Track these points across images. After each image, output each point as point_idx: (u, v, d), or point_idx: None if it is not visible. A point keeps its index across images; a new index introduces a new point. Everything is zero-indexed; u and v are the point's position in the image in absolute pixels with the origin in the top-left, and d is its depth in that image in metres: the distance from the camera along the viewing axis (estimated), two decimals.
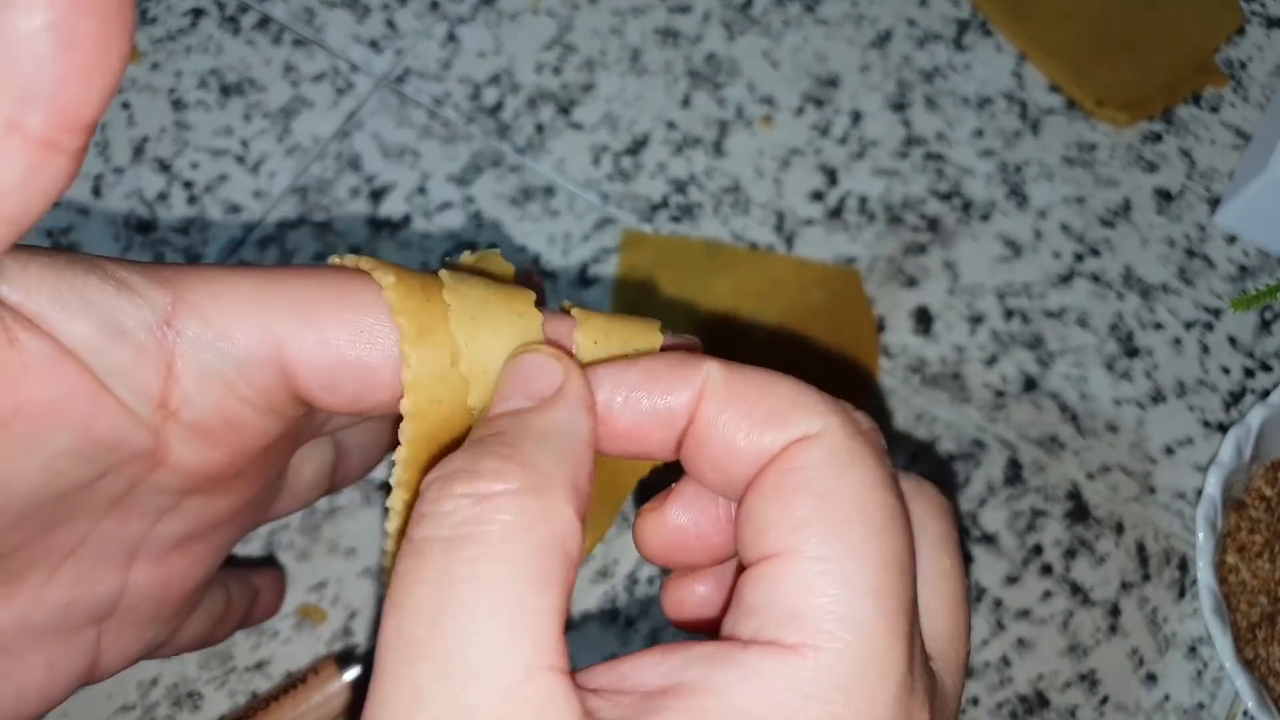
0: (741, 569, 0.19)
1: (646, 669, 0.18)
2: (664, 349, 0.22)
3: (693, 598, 0.23)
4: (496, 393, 0.21)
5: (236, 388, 0.20)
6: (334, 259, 0.22)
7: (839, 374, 0.42)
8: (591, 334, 0.22)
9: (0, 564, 0.20)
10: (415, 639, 0.16)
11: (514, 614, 0.16)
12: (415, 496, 0.20)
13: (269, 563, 0.38)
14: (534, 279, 0.28)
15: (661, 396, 0.20)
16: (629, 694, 0.18)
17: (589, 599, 0.38)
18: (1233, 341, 0.44)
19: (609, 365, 0.21)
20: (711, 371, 0.20)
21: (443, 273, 0.22)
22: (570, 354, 0.21)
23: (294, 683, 0.36)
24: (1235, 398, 0.43)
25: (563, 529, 0.18)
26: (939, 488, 0.22)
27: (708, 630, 0.22)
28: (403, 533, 0.21)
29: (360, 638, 0.38)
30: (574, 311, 0.22)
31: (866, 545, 0.18)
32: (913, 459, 0.41)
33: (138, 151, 0.44)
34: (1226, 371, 0.44)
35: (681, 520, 0.22)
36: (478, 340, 0.21)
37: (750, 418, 0.19)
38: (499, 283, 0.22)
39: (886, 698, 0.17)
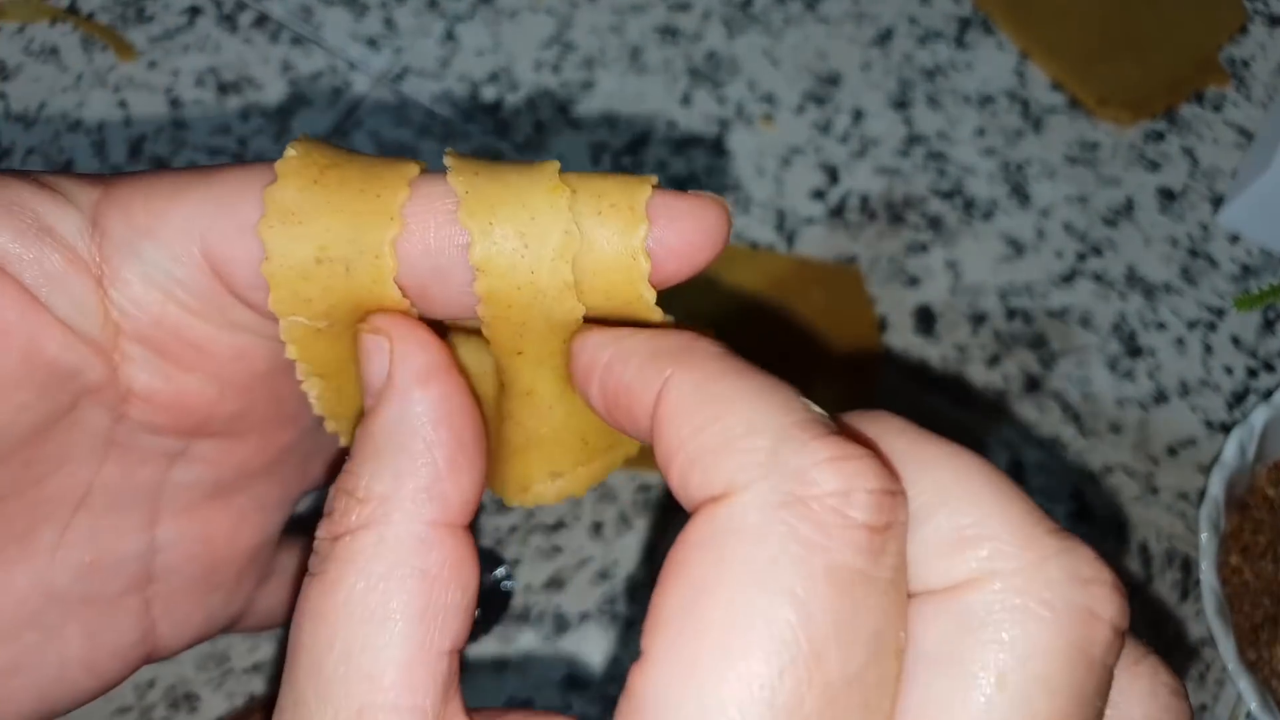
0: None
1: None
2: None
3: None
4: None
5: (174, 294, 0.18)
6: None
7: (840, 375, 0.42)
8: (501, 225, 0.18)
9: None
10: (289, 665, 0.17)
11: (348, 649, 0.16)
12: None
13: None
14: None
15: (624, 392, 0.17)
16: None
17: (589, 599, 0.38)
18: (1236, 341, 0.44)
19: (593, 336, 0.18)
20: (674, 380, 0.16)
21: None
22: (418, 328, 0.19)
23: None
24: (1238, 398, 0.43)
25: (404, 553, 0.17)
26: (1172, 680, 0.17)
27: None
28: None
29: None
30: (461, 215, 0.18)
31: (718, 666, 0.14)
32: None
33: (134, 150, 0.44)
34: (1230, 371, 0.44)
35: None
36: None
37: (684, 451, 0.15)
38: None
39: None
